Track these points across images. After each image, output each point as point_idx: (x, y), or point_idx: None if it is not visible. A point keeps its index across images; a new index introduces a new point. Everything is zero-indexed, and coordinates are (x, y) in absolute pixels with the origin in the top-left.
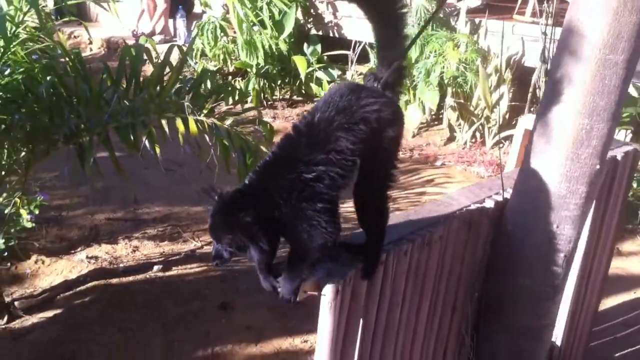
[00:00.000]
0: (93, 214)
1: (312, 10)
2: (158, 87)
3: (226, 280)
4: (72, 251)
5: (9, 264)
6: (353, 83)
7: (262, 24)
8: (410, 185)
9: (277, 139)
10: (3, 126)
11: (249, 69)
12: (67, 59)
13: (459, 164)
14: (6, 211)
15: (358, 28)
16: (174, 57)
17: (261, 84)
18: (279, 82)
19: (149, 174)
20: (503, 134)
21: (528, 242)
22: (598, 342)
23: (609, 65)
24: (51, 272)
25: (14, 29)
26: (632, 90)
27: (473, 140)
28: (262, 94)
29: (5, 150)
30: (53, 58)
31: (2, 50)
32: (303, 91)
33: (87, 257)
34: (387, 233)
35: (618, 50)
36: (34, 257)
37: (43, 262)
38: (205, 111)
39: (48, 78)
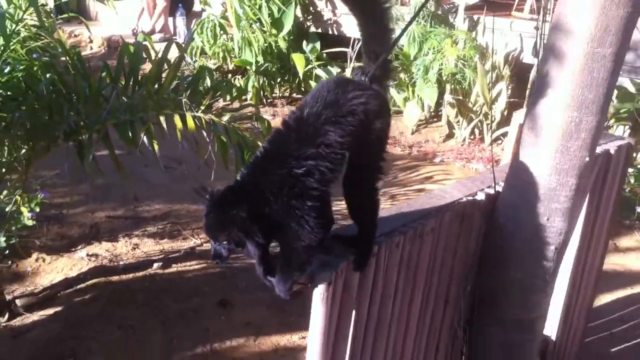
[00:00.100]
0: (93, 211)
1: (311, 8)
2: (156, 85)
3: (225, 278)
4: (73, 249)
5: (9, 262)
6: (340, 77)
7: (260, 21)
8: (409, 182)
9: None
10: (3, 123)
11: (248, 67)
12: (67, 56)
13: (457, 160)
14: (7, 209)
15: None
16: (174, 55)
17: (261, 81)
18: (278, 79)
19: (149, 172)
20: (501, 131)
21: (519, 235)
22: (594, 338)
23: (597, 59)
24: (52, 270)
25: (13, 26)
26: (629, 86)
27: (472, 136)
28: (261, 92)
29: (6, 148)
30: (54, 56)
31: (2, 48)
32: (302, 89)
33: (87, 254)
34: (380, 225)
35: (606, 43)
36: (34, 255)
37: (44, 260)
38: (202, 107)
39: (48, 76)
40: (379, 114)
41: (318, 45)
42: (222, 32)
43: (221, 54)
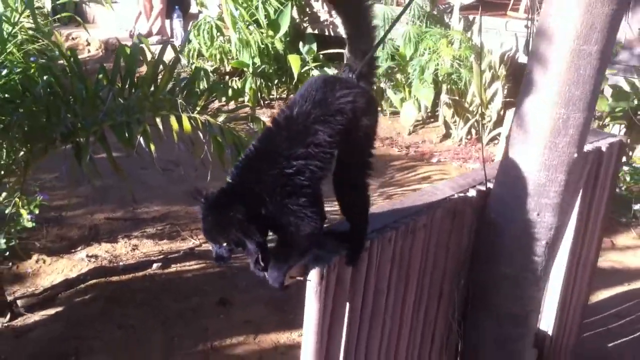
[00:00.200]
0: (93, 213)
1: (307, 9)
2: (152, 86)
3: (225, 277)
4: (73, 250)
5: (10, 264)
6: (328, 75)
7: (257, 23)
8: (406, 183)
9: None
10: (1, 126)
11: (245, 69)
12: (64, 59)
13: (454, 160)
14: (7, 211)
15: None
16: (171, 57)
17: (258, 83)
18: (275, 81)
19: (146, 174)
20: (498, 130)
21: (510, 230)
22: (591, 333)
23: (583, 56)
24: (52, 271)
25: (10, 29)
26: (624, 85)
27: (468, 136)
28: (259, 94)
29: (4, 150)
30: (51, 59)
31: None
32: None
33: (87, 256)
34: (372, 222)
35: (592, 41)
36: (35, 257)
37: (44, 262)
38: (198, 108)
39: (45, 78)
40: (367, 111)
41: (314, 46)
42: (218, 34)
43: (218, 56)
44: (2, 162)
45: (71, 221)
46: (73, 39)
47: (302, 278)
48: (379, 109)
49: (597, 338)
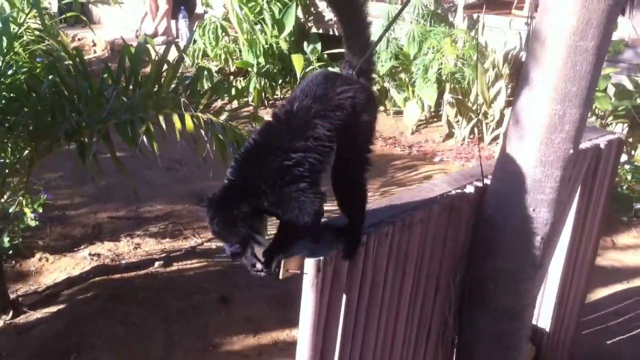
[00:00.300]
0: (96, 212)
1: (312, 9)
2: (156, 85)
3: (226, 276)
4: (76, 249)
5: (13, 262)
6: (329, 71)
7: (262, 22)
8: (409, 182)
9: None
10: (7, 125)
11: (250, 69)
12: (69, 58)
13: (457, 159)
14: (11, 210)
15: None
16: (175, 57)
17: (262, 83)
18: (280, 81)
19: (150, 173)
20: (500, 129)
21: (506, 226)
22: (590, 330)
23: (580, 52)
24: (55, 269)
25: (16, 29)
26: (627, 84)
27: (471, 136)
28: (263, 93)
29: (9, 149)
30: (57, 59)
31: (5, 51)
32: None
33: (90, 254)
34: (369, 217)
35: (588, 36)
36: (38, 255)
37: (47, 260)
38: (201, 107)
39: (50, 77)
40: (366, 107)
41: (319, 46)
42: (223, 34)
43: (223, 56)
44: (7, 161)
45: (74, 220)
46: (79, 39)
47: (298, 272)
48: (382, 108)
49: (596, 335)
